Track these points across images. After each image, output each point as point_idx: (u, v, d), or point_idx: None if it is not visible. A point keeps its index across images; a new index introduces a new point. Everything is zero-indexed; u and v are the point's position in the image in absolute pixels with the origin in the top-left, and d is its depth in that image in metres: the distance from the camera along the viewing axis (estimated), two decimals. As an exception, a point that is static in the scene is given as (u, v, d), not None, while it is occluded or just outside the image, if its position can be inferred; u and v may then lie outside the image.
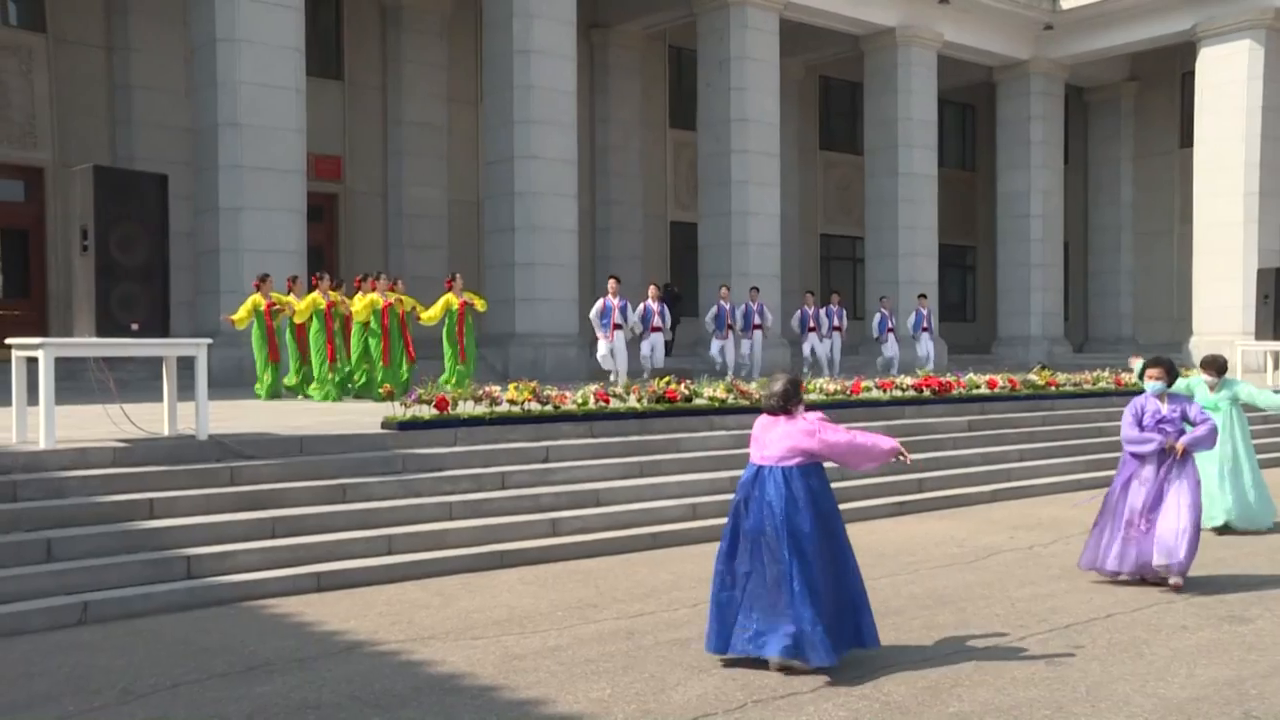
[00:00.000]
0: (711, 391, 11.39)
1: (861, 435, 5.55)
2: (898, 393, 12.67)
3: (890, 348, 20.81)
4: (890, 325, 20.96)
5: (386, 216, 21.61)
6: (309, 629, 6.06)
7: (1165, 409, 7.34)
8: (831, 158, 29.59)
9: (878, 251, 25.02)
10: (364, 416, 10.27)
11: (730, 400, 11.33)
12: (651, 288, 17.74)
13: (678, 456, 10.18)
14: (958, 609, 6.56)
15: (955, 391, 13.28)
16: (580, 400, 10.25)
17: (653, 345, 17.02)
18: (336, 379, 13.43)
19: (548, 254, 18.30)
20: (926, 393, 12.91)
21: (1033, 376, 14.61)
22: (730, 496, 9.54)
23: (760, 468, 5.44)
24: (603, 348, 16.42)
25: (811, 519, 5.29)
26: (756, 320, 18.97)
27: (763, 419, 5.59)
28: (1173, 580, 7.06)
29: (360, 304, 13.52)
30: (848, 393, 12.23)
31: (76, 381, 10.00)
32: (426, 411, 9.35)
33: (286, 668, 5.32)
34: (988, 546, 8.60)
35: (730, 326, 18.67)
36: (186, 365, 8.69)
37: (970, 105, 32.32)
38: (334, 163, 21.02)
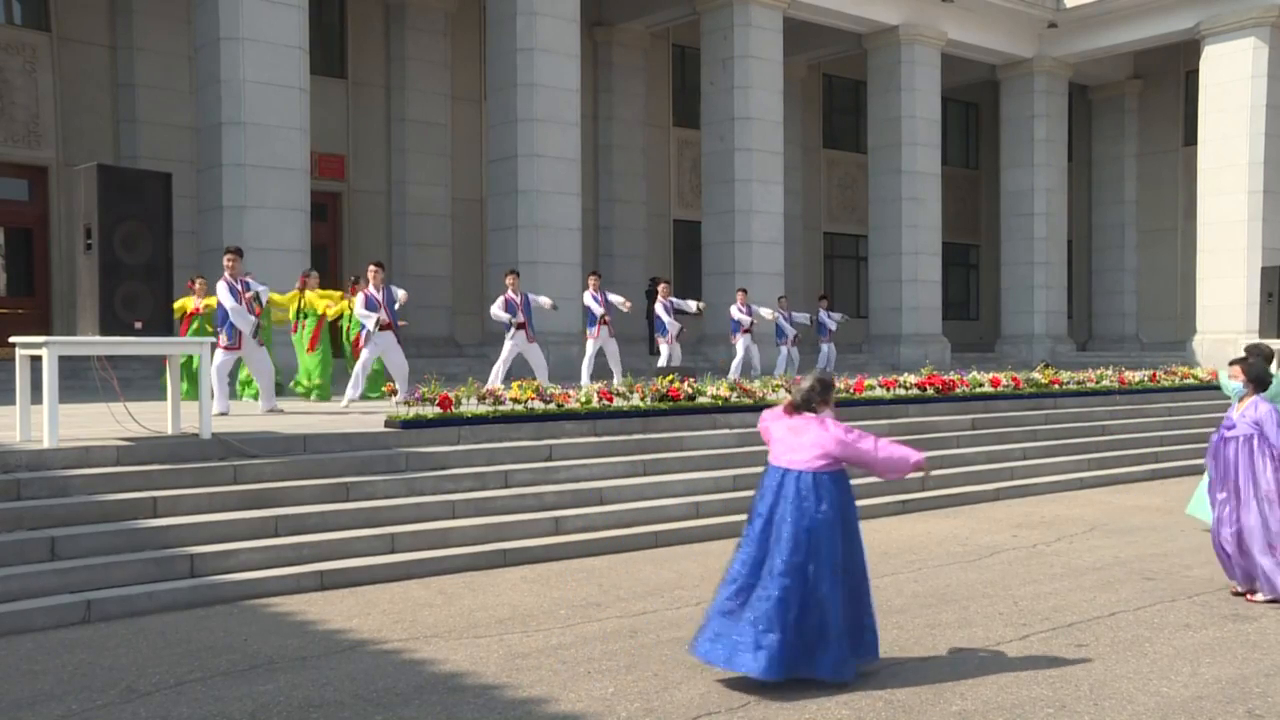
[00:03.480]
0: (715, 390, 11.39)
1: (890, 446, 5.30)
2: (901, 391, 12.67)
3: (826, 348, 20.94)
4: (831, 328, 20.98)
5: (390, 215, 21.62)
6: (312, 627, 6.07)
7: (1236, 414, 6.71)
8: (835, 156, 29.57)
9: (881, 250, 25.01)
10: (367, 415, 10.28)
11: (734, 399, 11.33)
12: (663, 286, 16.72)
13: (681, 455, 10.17)
14: (960, 607, 6.56)
15: (958, 390, 13.29)
16: (583, 399, 10.26)
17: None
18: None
19: (551, 252, 18.30)
20: (930, 391, 12.91)
21: (1036, 375, 14.61)
22: (733, 495, 9.62)
23: (786, 471, 5.15)
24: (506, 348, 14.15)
25: (840, 528, 5.10)
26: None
27: (785, 419, 5.27)
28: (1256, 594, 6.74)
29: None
30: (851, 391, 12.24)
31: (80, 380, 10.04)
32: (430, 410, 9.37)
33: (289, 666, 5.33)
34: (990, 545, 8.60)
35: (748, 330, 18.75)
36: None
37: (974, 103, 32.29)
38: (337, 161, 21.04)
